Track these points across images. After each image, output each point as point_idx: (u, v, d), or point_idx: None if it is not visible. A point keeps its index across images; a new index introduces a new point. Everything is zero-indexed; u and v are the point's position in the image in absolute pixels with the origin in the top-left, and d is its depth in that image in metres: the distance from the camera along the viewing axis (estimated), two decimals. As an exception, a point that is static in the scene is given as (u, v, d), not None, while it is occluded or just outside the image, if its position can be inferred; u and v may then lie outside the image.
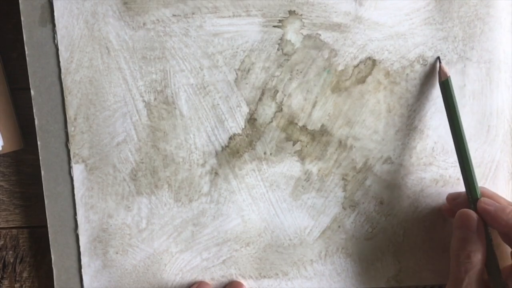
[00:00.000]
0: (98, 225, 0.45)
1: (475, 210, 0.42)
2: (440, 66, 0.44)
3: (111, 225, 0.45)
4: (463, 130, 0.43)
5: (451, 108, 0.43)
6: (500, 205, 0.41)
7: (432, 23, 0.45)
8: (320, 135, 0.45)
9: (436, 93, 0.45)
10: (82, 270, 0.45)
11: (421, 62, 0.45)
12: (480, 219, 0.42)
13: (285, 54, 0.44)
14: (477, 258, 0.40)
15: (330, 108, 0.45)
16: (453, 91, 0.43)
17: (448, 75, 0.44)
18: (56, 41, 0.44)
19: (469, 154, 0.43)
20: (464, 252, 0.41)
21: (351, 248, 0.46)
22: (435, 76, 0.45)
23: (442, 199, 0.46)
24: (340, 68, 0.45)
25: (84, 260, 0.45)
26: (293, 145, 0.45)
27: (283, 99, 0.45)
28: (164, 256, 0.46)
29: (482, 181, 0.46)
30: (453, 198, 0.45)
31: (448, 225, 0.46)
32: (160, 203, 0.45)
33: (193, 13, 0.44)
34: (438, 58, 0.45)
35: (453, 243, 0.42)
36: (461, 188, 0.46)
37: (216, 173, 0.45)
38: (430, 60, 0.45)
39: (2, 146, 0.45)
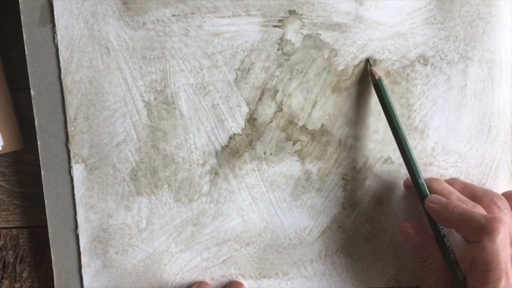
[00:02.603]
0: (98, 225, 0.45)
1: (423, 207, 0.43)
2: (370, 70, 0.44)
3: (111, 225, 0.45)
4: (401, 127, 0.43)
5: (388, 109, 0.43)
6: (444, 202, 0.41)
7: (433, 22, 0.45)
8: (320, 135, 0.45)
9: (436, 93, 0.45)
10: (82, 270, 0.46)
11: (421, 62, 0.45)
12: (420, 226, 0.43)
13: (285, 54, 0.44)
14: (434, 261, 0.42)
15: (330, 108, 0.45)
16: (386, 91, 0.43)
17: (379, 75, 0.44)
18: (56, 41, 0.44)
19: (411, 152, 0.43)
20: (420, 259, 0.43)
21: (351, 248, 0.46)
22: (436, 76, 0.45)
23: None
24: (340, 68, 0.45)
25: (84, 260, 0.45)
26: (293, 145, 0.45)
27: (283, 99, 0.45)
28: (164, 256, 0.46)
29: (483, 181, 0.46)
30: (409, 186, 0.45)
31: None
32: (160, 203, 0.45)
33: (192, 13, 0.44)
34: (367, 60, 0.45)
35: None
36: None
37: (216, 173, 0.45)
38: (431, 60, 0.45)
39: (2, 146, 0.45)
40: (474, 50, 0.45)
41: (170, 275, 0.46)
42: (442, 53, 0.45)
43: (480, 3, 0.45)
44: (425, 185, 0.42)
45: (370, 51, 0.45)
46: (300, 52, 0.44)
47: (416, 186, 0.43)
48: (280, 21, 0.44)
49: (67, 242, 0.45)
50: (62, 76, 0.44)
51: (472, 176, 0.46)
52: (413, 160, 0.43)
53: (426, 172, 0.46)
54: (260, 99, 0.45)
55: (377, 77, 0.43)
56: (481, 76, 0.45)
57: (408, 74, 0.45)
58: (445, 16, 0.45)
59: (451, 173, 0.46)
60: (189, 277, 0.46)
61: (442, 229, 0.42)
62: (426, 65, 0.45)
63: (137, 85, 0.44)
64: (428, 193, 0.42)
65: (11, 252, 0.48)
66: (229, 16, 0.44)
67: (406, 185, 0.45)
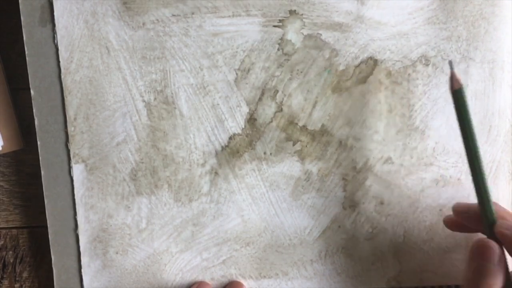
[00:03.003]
0: (98, 225, 0.45)
1: (490, 234, 0.39)
2: (452, 73, 0.39)
3: (111, 225, 0.45)
4: (478, 145, 0.39)
5: (464, 121, 0.39)
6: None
7: (435, 22, 0.44)
8: (320, 135, 0.45)
9: (437, 93, 0.45)
10: (82, 270, 0.46)
11: (423, 62, 0.45)
12: (501, 250, 0.38)
13: (285, 54, 0.44)
14: None
15: (331, 108, 0.45)
16: (467, 102, 0.38)
17: (461, 83, 0.38)
18: (56, 41, 0.43)
19: (484, 173, 0.39)
20: (484, 286, 0.37)
21: (351, 248, 0.46)
22: (437, 77, 0.45)
23: (442, 199, 0.46)
24: (341, 68, 0.44)
25: (84, 260, 0.46)
26: (293, 145, 0.45)
27: (283, 99, 0.45)
28: (164, 256, 0.46)
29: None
30: (462, 212, 0.42)
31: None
32: (160, 203, 0.45)
33: (192, 13, 0.43)
34: (450, 62, 0.40)
35: (468, 274, 0.38)
36: (462, 188, 0.46)
37: (216, 173, 0.45)
38: (433, 60, 0.45)
39: (2, 146, 0.45)
40: (476, 50, 0.45)
41: (170, 275, 0.46)
42: (444, 53, 0.45)
43: (483, 3, 0.44)
44: (493, 210, 0.39)
45: (371, 51, 0.44)
46: (300, 52, 0.44)
47: (484, 210, 0.39)
48: (280, 21, 0.44)
49: (67, 242, 0.46)
50: (62, 76, 0.44)
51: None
52: (485, 182, 0.39)
53: (426, 173, 0.45)
54: (260, 99, 0.45)
55: (458, 86, 0.39)
56: (482, 76, 0.45)
57: (409, 74, 0.45)
58: (448, 16, 0.44)
59: (451, 174, 0.46)
60: (189, 277, 0.46)
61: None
62: (427, 65, 0.45)
63: (137, 85, 0.44)
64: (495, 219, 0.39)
65: (11, 252, 0.48)
66: (229, 16, 0.44)
67: (457, 210, 0.43)
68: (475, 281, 0.38)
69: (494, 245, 0.38)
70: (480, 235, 0.42)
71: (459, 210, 0.43)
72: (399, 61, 0.44)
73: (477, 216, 0.40)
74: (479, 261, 0.38)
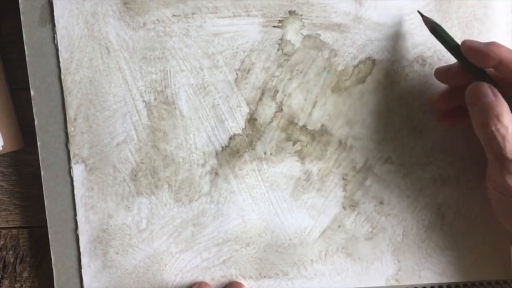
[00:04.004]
0: (98, 226, 0.45)
1: (475, 75, 0.41)
2: (423, 17, 0.43)
3: (111, 226, 0.45)
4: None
5: (448, 40, 0.42)
6: (482, 43, 0.40)
7: (431, 23, 0.45)
8: (320, 135, 0.45)
9: (434, 93, 0.45)
10: (82, 270, 0.45)
11: (420, 62, 0.45)
12: (491, 85, 0.40)
13: (285, 54, 0.45)
14: (508, 119, 0.38)
15: (330, 108, 0.45)
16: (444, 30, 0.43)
17: (433, 21, 0.43)
18: (56, 41, 0.43)
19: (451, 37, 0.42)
20: (493, 119, 0.38)
21: (351, 248, 0.47)
22: (433, 76, 0.45)
23: (441, 198, 0.46)
24: (340, 68, 0.45)
25: (84, 260, 0.45)
26: (293, 145, 0.45)
27: (283, 99, 0.45)
28: (164, 256, 0.46)
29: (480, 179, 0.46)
30: (444, 71, 0.43)
31: (447, 225, 0.46)
32: (160, 203, 0.45)
33: (193, 13, 0.44)
34: (418, 11, 0.44)
35: (476, 119, 0.40)
36: (460, 187, 0.46)
37: (216, 173, 0.45)
38: (429, 60, 0.45)
39: (2, 146, 0.45)
40: (470, 51, 0.45)
41: (170, 276, 0.46)
42: (440, 54, 0.45)
43: (476, 5, 0.45)
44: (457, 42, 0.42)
45: (369, 52, 0.45)
46: (300, 53, 0.45)
47: (449, 46, 0.42)
48: (280, 21, 0.44)
49: (67, 243, 0.45)
50: (62, 76, 0.44)
51: (470, 175, 0.46)
52: (451, 38, 0.42)
53: (425, 172, 0.46)
54: (260, 99, 0.45)
55: (431, 23, 0.43)
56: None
57: (407, 74, 0.45)
58: (443, 17, 0.45)
59: (449, 173, 0.46)
60: (189, 278, 0.46)
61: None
62: (424, 65, 0.45)
63: (137, 85, 0.44)
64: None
65: (11, 252, 0.47)
66: (230, 17, 0.44)
67: (439, 72, 0.44)
68: (484, 121, 0.39)
69: (481, 83, 0.40)
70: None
71: (439, 71, 0.44)
72: (396, 61, 0.45)
73: (459, 67, 0.42)
74: (476, 102, 0.39)
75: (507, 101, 0.39)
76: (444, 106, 0.44)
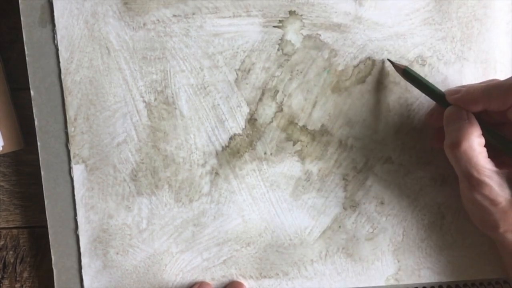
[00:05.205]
0: (99, 226, 0.45)
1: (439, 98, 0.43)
2: (394, 65, 0.45)
3: (111, 226, 0.45)
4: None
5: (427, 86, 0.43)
6: (464, 87, 0.42)
7: (431, 23, 0.45)
8: (320, 135, 0.45)
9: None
10: (83, 270, 0.45)
11: (420, 62, 0.45)
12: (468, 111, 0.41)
13: (285, 54, 0.45)
14: (476, 142, 0.40)
15: (330, 108, 0.45)
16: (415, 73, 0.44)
17: (404, 65, 0.44)
18: (56, 41, 0.43)
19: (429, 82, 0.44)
20: (462, 140, 0.40)
21: (352, 249, 0.47)
22: (433, 76, 0.45)
23: (440, 197, 0.46)
24: (340, 68, 0.45)
25: (84, 260, 0.45)
26: (294, 145, 0.45)
27: (283, 99, 0.45)
28: (165, 257, 0.46)
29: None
30: (431, 115, 0.45)
31: (446, 224, 0.46)
32: (161, 203, 0.45)
33: (193, 13, 0.44)
34: (388, 60, 0.45)
35: (448, 139, 0.41)
36: (459, 187, 0.46)
37: (217, 173, 0.45)
38: (429, 60, 0.45)
39: (2, 146, 0.45)
40: (470, 51, 0.46)
41: (171, 276, 0.46)
42: (440, 54, 0.45)
43: (476, 5, 0.45)
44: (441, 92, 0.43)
45: (369, 52, 0.45)
46: (300, 53, 0.45)
47: (433, 95, 0.43)
48: (280, 21, 0.44)
49: (67, 243, 0.45)
50: (62, 77, 0.44)
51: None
52: (429, 84, 0.43)
53: (425, 171, 0.46)
54: (260, 99, 0.45)
55: (402, 67, 0.44)
56: (476, 76, 0.46)
57: (407, 74, 0.45)
58: (443, 17, 0.45)
59: (449, 172, 0.46)
60: (190, 278, 0.46)
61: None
62: (424, 65, 0.45)
63: (137, 86, 0.44)
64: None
65: (11, 252, 0.47)
66: (230, 17, 0.44)
67: (428, 116, 0.45)
68: (454, 141, 0.40)
69: (457, 108, 0.41)
70: None
71: (429, 114, 0.45)
72: (396, 61, 0.45)
73: (441, 110, 0.43)
74: (450, 123, 0.41)
75: (488, 135, 0.41)
76: (436, 124, 0.45)
